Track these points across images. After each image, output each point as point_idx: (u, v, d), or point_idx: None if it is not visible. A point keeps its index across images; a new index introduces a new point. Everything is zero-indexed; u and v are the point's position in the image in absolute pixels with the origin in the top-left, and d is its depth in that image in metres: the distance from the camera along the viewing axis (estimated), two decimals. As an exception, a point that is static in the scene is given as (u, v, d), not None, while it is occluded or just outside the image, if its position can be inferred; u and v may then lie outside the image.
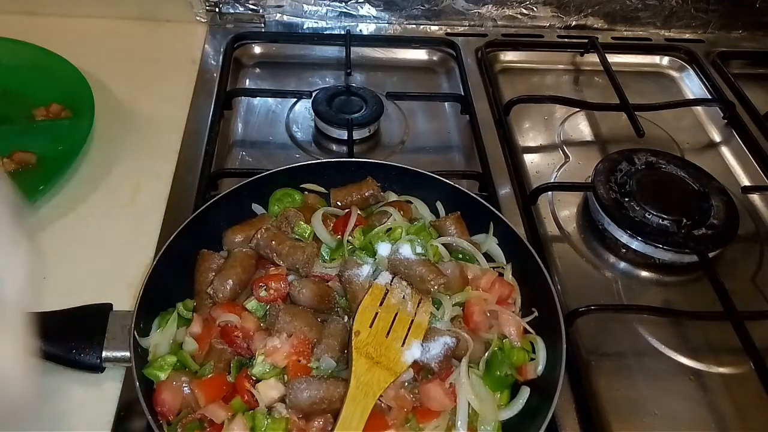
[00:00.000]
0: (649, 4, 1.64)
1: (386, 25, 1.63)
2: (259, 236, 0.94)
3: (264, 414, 0.77)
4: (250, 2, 1.56)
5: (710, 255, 1.11)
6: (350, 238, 0.98)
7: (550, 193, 1.23)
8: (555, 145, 1.37)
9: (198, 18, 1.55)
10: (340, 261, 0.95)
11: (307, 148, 1.30)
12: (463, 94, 1.41)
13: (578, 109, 1.45)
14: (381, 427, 0.78)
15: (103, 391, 0.88)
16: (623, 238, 1.14)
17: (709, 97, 1.52)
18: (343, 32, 1.56)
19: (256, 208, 1.05)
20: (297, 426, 0.77)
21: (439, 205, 1.08)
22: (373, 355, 0.81)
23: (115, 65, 1.39)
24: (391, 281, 0.91)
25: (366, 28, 1.62)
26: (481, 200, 1.04)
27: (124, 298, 0.96)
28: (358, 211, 1.01)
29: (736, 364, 1.00)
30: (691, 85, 1.58)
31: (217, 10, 1.55)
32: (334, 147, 1.31)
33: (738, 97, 1.50)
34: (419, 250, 0.95)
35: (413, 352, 0.83)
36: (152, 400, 0.80)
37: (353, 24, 1.61)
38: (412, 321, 0.87)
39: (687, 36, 1.70)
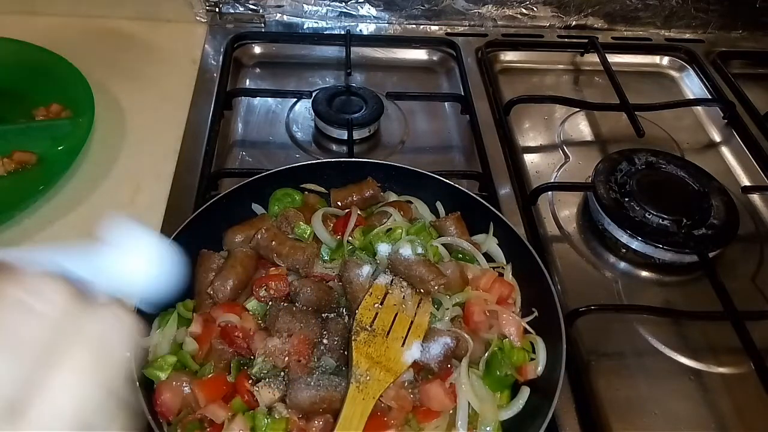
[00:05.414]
0: (649, 4, 1.64)
1: (386, 25, 1.62)
2: (259, 236, 0.94)
3: (264, 414, 0.77)
4: (250, 2, 1.56)
5: (710, 255, 1.11)
6: (350, 238, 0.98)
7: (550, 193, 1.23)
8: (555, 145, 1.37)
9: (198, 18, 1.55)
10: (340, 261, 0.95)
11: (307, 148, 1.30)
12: (463, 94, 1.41)
13: (578, 109, 1.45)
14: (381, 427, 0.78)
15: (103, 391, 0.88)
16: (623, 238, 1.14)
17: (709, 97, 1.52)
18: (343, 32, 1.56)
19: (256, 208, 1.05)
20: (297, 426, 0.77)
21: (439, 205, 1.08)
22: (373, 355, 0.82)
23: (115, 65, 1.39)
24: (391, 281, 0.91)
25: (366, 28, 1.62)
26: (481, 200, 1.04)
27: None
28: (358, 212, 1.01)
29: (736, 364, 1.00)
30: (691, 85, 1.58)
31: (217, 10, 1.55)
32: (334, 147, 1.31)
33: (738, 97, 1.50)
34: (419, 250, 0.95)
35: (413, 352, 0.83)
36: (152, 400, 0.79)
37: (353, 24, 1.61)
38: (412, 321, 0.87)
39: (687, 36, 1.70)
